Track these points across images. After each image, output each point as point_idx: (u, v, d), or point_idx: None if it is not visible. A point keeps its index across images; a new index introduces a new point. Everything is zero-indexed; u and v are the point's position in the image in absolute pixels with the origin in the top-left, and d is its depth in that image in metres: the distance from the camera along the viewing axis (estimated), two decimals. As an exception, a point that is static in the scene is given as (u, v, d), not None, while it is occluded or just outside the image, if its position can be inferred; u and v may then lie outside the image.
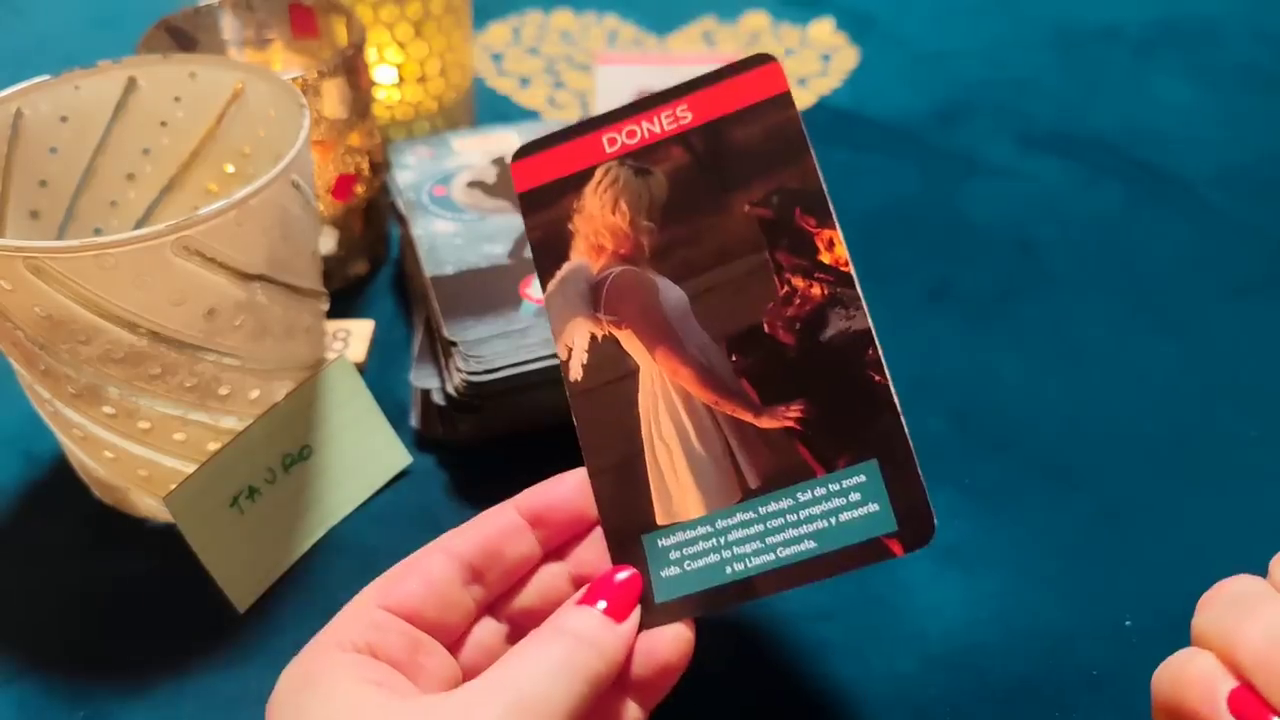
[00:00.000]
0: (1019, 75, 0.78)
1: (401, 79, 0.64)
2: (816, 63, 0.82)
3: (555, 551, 0.34)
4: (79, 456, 0.44)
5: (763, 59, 0.36)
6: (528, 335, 0.46)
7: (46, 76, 0.44)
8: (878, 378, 0.33)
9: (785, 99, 0.36)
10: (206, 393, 0.40)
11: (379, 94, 0.64)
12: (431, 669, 0.31)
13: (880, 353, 0.33)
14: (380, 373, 0.52)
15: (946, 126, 0.72)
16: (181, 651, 0.40)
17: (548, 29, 0.88)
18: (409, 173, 0.57)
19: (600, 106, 0.75)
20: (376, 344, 0.54)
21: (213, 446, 0.42)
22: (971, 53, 0.82)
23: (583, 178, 0.37)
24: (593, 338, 0.35)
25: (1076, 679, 0.39)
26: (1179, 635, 0.40)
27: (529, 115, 0.75)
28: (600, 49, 0.84)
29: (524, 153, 0.37)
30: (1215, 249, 0.61)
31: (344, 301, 0.56)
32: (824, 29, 0.86)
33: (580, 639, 0.30)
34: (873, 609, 0.41)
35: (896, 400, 0.32)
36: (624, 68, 0.81)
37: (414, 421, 0.49)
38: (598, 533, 0.34)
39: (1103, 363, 0.53)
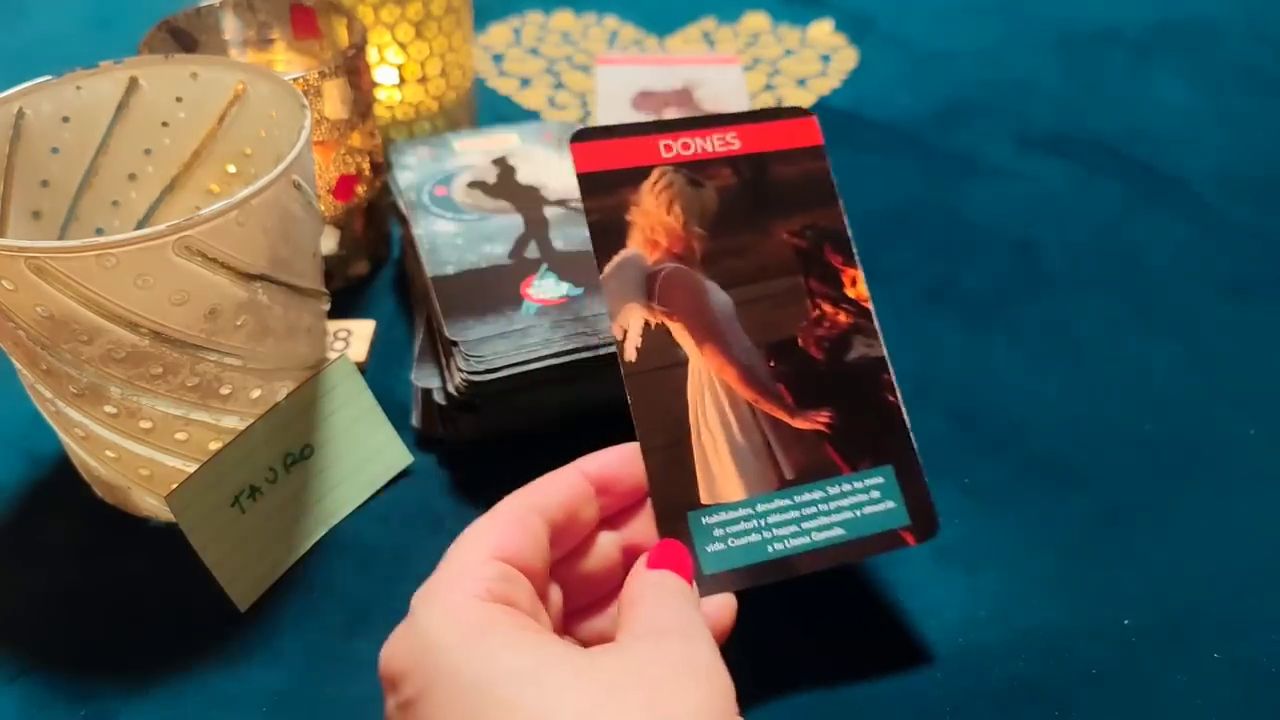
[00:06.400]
0: (1018, 76, 0.79)
1: (402, 79, 0.64)
2: (816, 63, 0.82)
3: (606, 520, 0.36)
4: (81, 456, 0.44)
5: (802, 112, 0.42)
6: (528, 335, 0.46)
7: (48, 77, 0.44)
8: (891, 398, 0.39)
9: (819, 151, 0.41)
10: (208, 392, 0.40)
11: (380, 94, 0.65)
12: (544, 624, 0.31)
13: (894, 378, 0.39)
14: (381, 372, 0.52)
15: (946, 127, 0.72)
16: (183, 650, 0.40)
17: (548, 30, 0.88)
18: (410, 173, 0.57)
19: (600, 107, 0.75)
20: (378, 343, 0.54)
21: (214, 446, 0.42)
22: (971, 54, 0.82)
23: (640, 174, 0.39)
24: (646, 324, 0.38)
25: (1076, 679, 0.39)
26: (1179, 635, 0.41)
27: (529, 116, 0.76)
28: (600, 50, 0.85)
29: (583, 137, 0.39)
30: (1214, 249, 0.61)
31: (345, 301, 0.57)
32: (823, 30, 0.86)
33: (680, 591, 0.32)
34: (873, 609, 0.41)
35: (907, 419, 0.39)
36: (624, 68, 0.81)
37: (415, 421, 0.49)
38: (647, 506, 0.36)
39: (1102, 362, 0.53)
